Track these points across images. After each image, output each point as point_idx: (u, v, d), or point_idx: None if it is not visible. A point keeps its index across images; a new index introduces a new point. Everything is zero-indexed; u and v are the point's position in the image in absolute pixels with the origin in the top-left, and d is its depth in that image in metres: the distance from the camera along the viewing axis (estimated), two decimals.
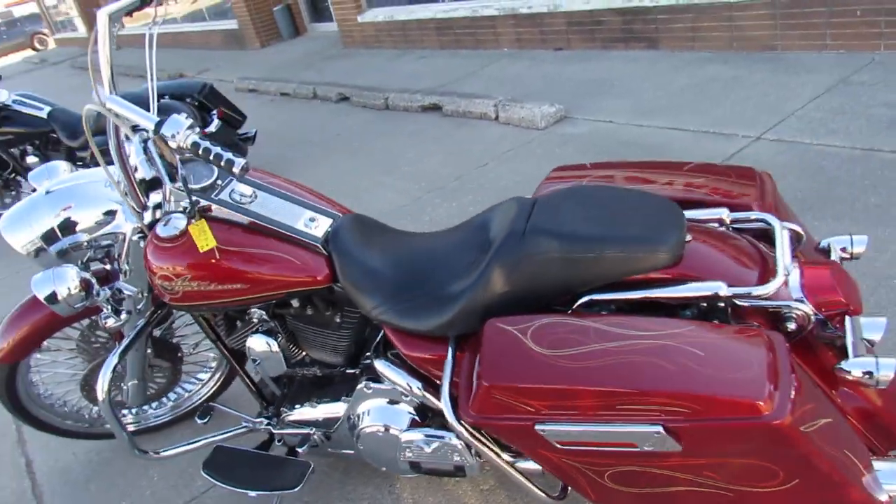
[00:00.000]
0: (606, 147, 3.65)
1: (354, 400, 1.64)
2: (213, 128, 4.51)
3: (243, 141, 4.58)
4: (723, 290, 1.19)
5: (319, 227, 1.58)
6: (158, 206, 1.65)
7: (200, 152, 1.46)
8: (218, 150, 1.44)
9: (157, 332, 2.11)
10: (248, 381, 1.89)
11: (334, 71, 7.11)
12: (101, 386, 1.71)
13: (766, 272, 1.24)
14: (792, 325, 1.20)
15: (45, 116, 4.42)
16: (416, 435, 1.53)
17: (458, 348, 1.38)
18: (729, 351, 1.09)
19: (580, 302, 1.29)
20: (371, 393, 1.61)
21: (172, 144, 1.48)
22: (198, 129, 1.49)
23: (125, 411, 2.31)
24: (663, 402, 1.07)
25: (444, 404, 1.28)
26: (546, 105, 4.23)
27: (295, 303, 1.66)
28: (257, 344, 1.72)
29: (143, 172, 1.64)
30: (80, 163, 4.31)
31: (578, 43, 5.57)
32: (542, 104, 4.26)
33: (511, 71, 5.51)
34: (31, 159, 4.55)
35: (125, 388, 2.06)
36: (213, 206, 1.56)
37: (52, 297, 1.70)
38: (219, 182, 1.61)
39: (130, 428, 2.29)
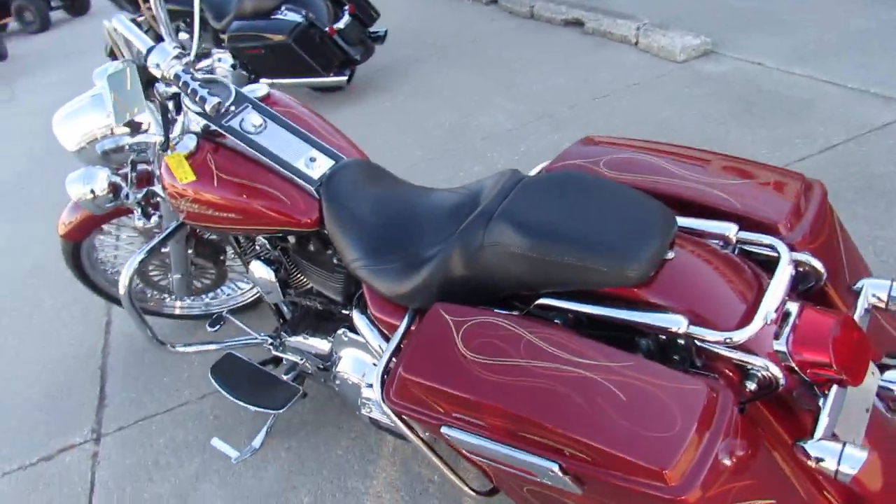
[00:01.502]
0: (743, 94, 3.23)
1: (335, 342, 1.65)
2: (341, 23, 4.52)
3: (372, 39, 4.56)
4: (681, 327, 1.02)
5: (318, 168, 1.53)
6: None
7: (180, 85, 1.45)
8: (196, 85, 1.43)
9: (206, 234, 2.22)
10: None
11: None
12: (123, 279, 1.82)
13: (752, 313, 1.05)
14: (752, 386, 1.02)
15: None
16: (373, 394, 1.52)
17: (412, 322, 1.32)
18: (657, 402, 0.95)
19: (536, 303, 1.17)
20: (347, 341, 1.61)
21: (157, 73, 1.49)
22: (185, 60, 1.49)
23: (171, 299, 2.48)
24: (564, 441, 0.97)
25: (375, 379, 1.23)
26: (690, 35, 3.79)
27: (291, 239, 1.67)
28: (256, 269, 1.76)
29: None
30: (223, 45, 4.49)
31: None
32: (686, 34, 3.82)
33: None
34: (182, 35, 4.82)
35: (171, 279, 2.21)
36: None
37: (83, 198, 1.82)
38: (232, 108, 1.59)
39: (178, 313, 2.48)
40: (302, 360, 1.86)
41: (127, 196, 1.89)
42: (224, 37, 4.45)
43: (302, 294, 1.80)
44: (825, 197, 1.29)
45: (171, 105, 1.64)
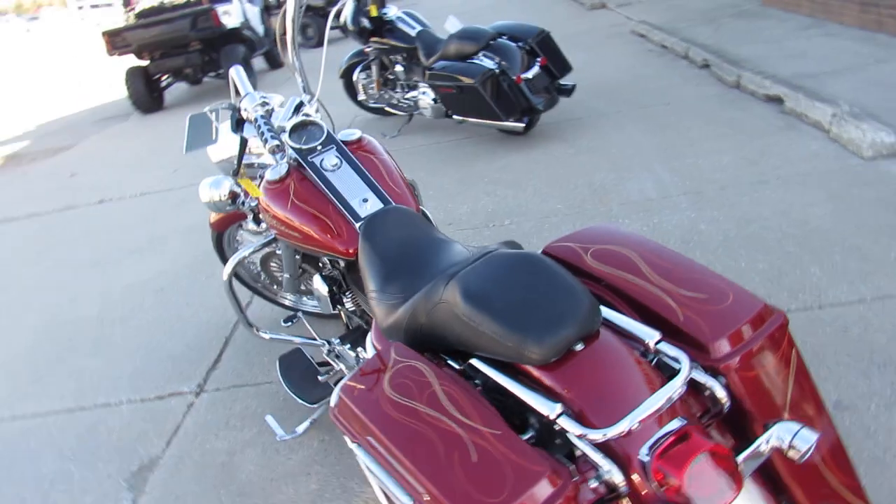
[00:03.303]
0: None
1: (363, 358, 1.90)
2: (530, 73, 4.83)
3: (559, 91, 4.75)
4: (552, 413, 1.11)
5: (368, 208, 1.81)
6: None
7: (255, 125, 1.80)
8: (266, 129, 1.77)
9: None
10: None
11: (731, 31, 6.57)
12: (227, 269, 2.24)
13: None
14: (592, 484, 1.08)
15: (414, 35, 5.18)
16: None
17: None
18: (500, 471, 1.04)
19: (468, 362, 1.31)
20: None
21: (244, 115, 1.86)
22: (268, 109, 1.83)
23: (279, 290, 2.90)
24: (419, 481, 1.11)
25: (334, 393, 1.44)
26: (885, 132, 3.45)
27: (341, 263, 1.95)
28: (316, 282, 2.07)
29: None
30: (426, 81, 4.96)
31: None
32: (881, 128, 3.48)
33: None
34: (397, 68, 5.42)
35: (283, 277, 2.62)
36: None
37: (209, 200, 2.27)
38: (319, 147, 1.93)
39: (281, 301, 2.90)
40: (341, 367, 2.13)
41: (243, 203, 2.33)
42: (427, 73, 4.94)
43: (353, 311, 2.08)
44: (782, 328, 1.26)
45: (251, 140, 2.02)
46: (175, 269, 3.85)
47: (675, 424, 1.08)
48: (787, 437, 1.12)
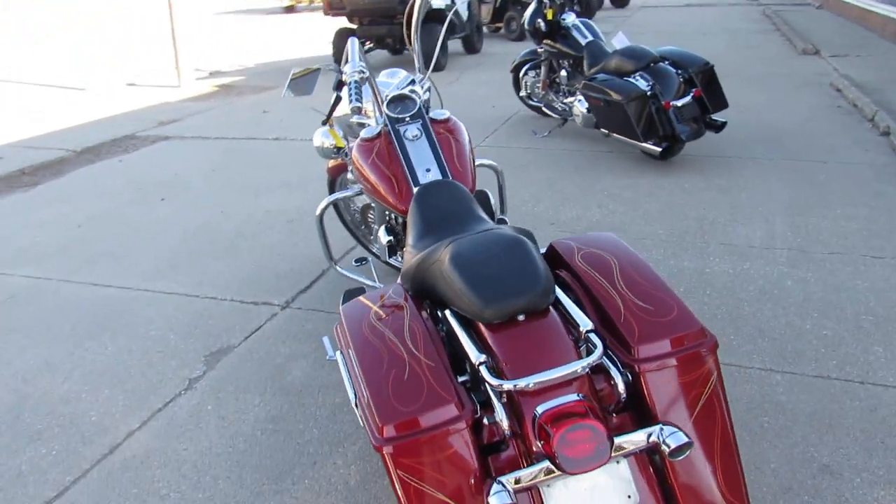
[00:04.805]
0: None
1: None
2: (681, 102, 4.89)
3: (707, 124, 4.70)
4: (476, 361, 1.33)
5: (429, 177, 2.11)
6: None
7: (349, 87, 2.13)
8: (354, 92, 2.10)
9: None
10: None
11: None
12: (319, 207, 2.64)
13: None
14: (486, 422, 1.32)
15: (584, 44, 5.34)
16: None
17: None
18: (420, 390, 1.30)
19: (445, 311, 1.55)
20: None
21: (344, 79, 2.20)
22: (364, 77, 2.16)
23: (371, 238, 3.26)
24: (362, 385, 1.37)
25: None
26: None
27: (400, 218, 2.26)
28: (379, 232, 2.39)
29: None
30: (584, 90, 5.12)
31: None
32: None
33: None
34: (562, 73, 5.61)
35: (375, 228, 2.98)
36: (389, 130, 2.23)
37: (319, 146, 2.67)
38: (408, 118, 2.25)
39: (371, 248, 3.27)
40: None
41: (345, 154, 2.70)
42: (580, 82, 5.10)
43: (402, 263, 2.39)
44: (708, 351, 1.40)
45: (343, 96, 2.37)
46: (309, 207, 4.38)
47: (571, 397, 1.29)
48: (662, 434, 1.29)
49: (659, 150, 4.58)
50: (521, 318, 1.41)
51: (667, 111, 4.53)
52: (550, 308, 1.46)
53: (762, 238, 3.54)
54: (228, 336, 2.93)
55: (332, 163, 3.02)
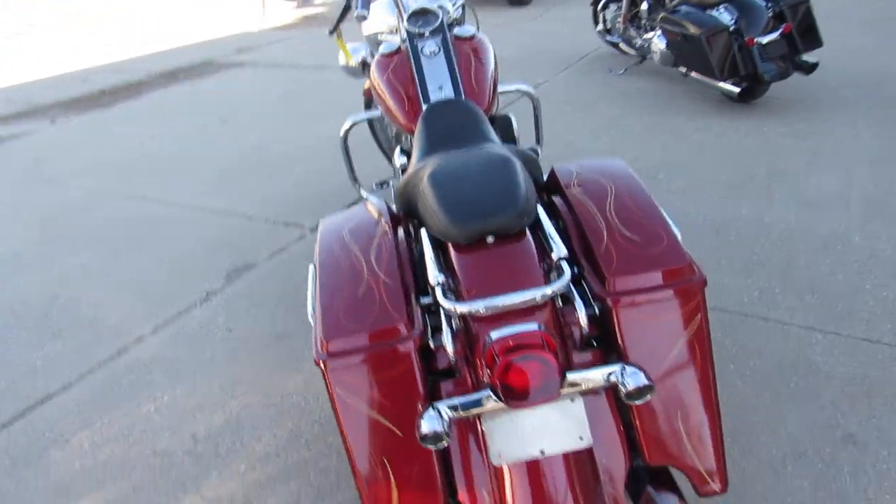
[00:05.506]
0: None
1: None
2: (766, 38, 4.48)
3: (797, 65, 4.25)
4: (434, 281, 1.23)
5: (441, 95, 1.98)
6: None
7: None
8: (361, 1, 1.96)
9: None
10: None
11: None
12: (343, 127, 2.55)
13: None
14: (432, 345, 1.22)
15: None
16: None
17: None
18: (372, 306, 1.22)
19: (420, 230, 1.47)
20: None
21: None
22: None
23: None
24: (316, 297, 1.32)
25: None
26: None
27: (411, 138, 2.14)
28: (395, 153, 2.28)
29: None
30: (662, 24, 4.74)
31: None
32: None
33: None
34: (643, 6, 5.22)
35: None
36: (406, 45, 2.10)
37: (344, 64, 2.56)
38: (427, 33, 2.10)
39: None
40: None
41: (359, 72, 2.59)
42: (660, 15, 4.72)
43: None
44: (694, 289, 1.24)
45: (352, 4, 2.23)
46: (361, 135, 4.31)
47: (529, 327, 1.16)
48: (624, 374, 1.14)
49: (737, 90, 4.20)
50: (490, 240, 1.28)
51: (750, 48, 4.12)
52: (527, 232, 1.32)
53: (837, 188, 3.19)
54: (253, 255, 2.93)
55: (367, 83, 2.91)
